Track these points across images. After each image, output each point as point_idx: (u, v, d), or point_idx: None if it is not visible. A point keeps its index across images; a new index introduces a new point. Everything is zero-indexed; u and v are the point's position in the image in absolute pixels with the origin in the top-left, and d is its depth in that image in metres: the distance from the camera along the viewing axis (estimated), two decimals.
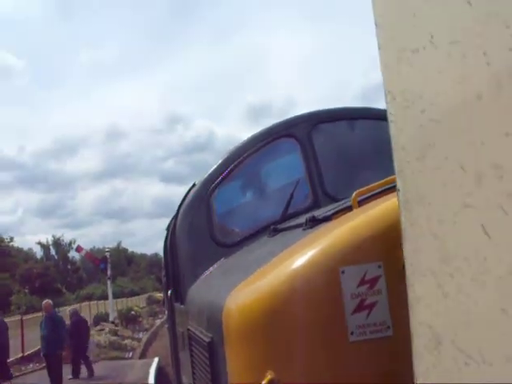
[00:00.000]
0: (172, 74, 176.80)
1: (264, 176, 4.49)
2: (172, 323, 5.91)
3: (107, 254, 31.80)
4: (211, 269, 3.83)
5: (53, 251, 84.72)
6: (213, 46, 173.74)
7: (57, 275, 71.47)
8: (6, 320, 21.05)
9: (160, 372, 16.24)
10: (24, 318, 22.82)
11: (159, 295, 57.27)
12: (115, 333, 25.39)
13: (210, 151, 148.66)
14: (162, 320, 37.97)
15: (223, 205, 4.24)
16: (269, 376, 1.90)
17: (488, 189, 0.82)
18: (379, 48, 1.13)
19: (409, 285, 1.06)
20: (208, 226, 4.00)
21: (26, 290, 54.72)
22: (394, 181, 2.48)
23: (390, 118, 1.08)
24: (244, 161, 4.19)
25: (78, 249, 33.94)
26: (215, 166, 4.23)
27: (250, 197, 4.50)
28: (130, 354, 22.34)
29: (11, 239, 71.57)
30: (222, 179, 4.15)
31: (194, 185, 4.42)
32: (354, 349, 1.86)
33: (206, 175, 4.24)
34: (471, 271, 0.86)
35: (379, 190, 2.47)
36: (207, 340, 2.91)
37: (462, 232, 0.89)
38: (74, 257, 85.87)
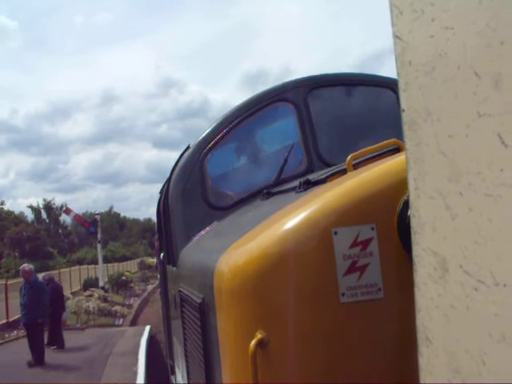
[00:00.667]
0: (168, 39, 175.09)
1: (259, 140, 4.42)
2: (164, 286, 5.90)
3: (97, 217, 28.86)
4: (204, 231, 3.79)
5: (44, 215, 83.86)
6: (210, 12, 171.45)
7: (48, 239, 70.41)
8: None
9: (151, 341, 15.45)
10: (10, 282, 21.39)
11: (151, 260, 55.82)
12: (105, 299, 23.83)
13: (203, 117, 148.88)
14: (154, 286, 35.43)
15: (217, 168, 4.18)
16: (258, 335, 1.90)
17: (507, 92, 0.75)
18: None
19: (413, 211, 0.99)
20: (201, 189, 3.95)
21: (16, 254, 53.35)
22: (389, 145, 2.49)
23: (396, 33, 1.00)
24: (239, 124, 4.12)
25: (67, 211, 30.85)
26: (210, 129, 4.16)
27: (244, 160, 4.43)
28: (121, 321, 21.03)
29: (2, 203, 70.82)
30: (217, 142, 4.08)
31: (188, 147, 4.34)
32: (344, 310, 1.85)
33: (200, 138, 4.16)
34: (485, 186, 0.80)
35: (374, 153, 2.45)
36: (198, 301, 2.89)
37: (475, 145, 0.82)
38: (65, 221, 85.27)
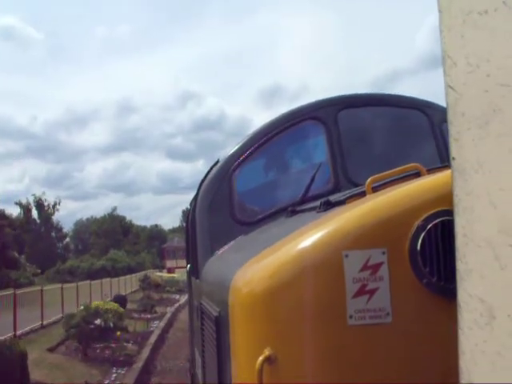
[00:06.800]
0: (186, 52, 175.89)
1: (287, 157, 4.47)
2: (191, 298, 6.00)
3: None
4: (228, 245, 3.84)
5: (36, 214, 71.55)
6: (226, 25, 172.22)
7: (35, 242, 60.81)
8: None
9: None
10: None
11: (158, 275, 44.57)
12: None
13: (219, 130, 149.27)
14: (166, 321, 20.97)
15: (245, 183, 4.23)
16: (266, 352, 1.94)
17: None
18: (440, 11, 1.08)
19: (460, 256, 1.02)
20: (228, 204, 4.01)
21: None
22: (409, 169, 2.53)
23: (449, 83, 1.04)
24: (268, 141, 4.17)
25: None
26: (239, 144, 4.22)
27: (271, 177, 4.48)
28: None
29: None
30: (246, 158, 4.13)
31: (217, 161, 4.41)
32: (352, 332, 1.88)
33: (229, 153, 4.22)
34: None
35: (394, 177, 2.49)
36: (215, 314, 2.96)
37: None
38: (59, 222, 75.18)
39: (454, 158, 1.02)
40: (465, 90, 1.00)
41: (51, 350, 14.17)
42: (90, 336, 13.78)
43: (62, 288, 21.87)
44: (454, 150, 1.03)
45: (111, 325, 14.46)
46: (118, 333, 14.95)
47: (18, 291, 17.83)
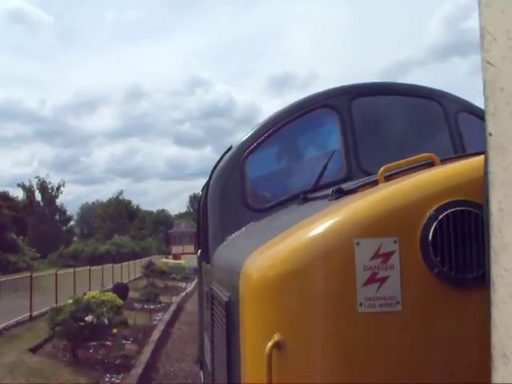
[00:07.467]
0: (196, 38, 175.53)
1: (300, 145, 4.47)
2: (201, 283, 6.04)
3: None
4: (239, 232, 3.86)
5: (39, 197, 70.40)
6: (236, 12, 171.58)
7: (37, 225, 59.52)
8: None
9: None
10: None
11: (163, 261, 42.54)
12: None
13: (227, 118, 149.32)
14: (170, 316, 18.41)
15: (257, 170, 4.23)
16: (276, 338, 1.95)
17: None
18: None
19: (495, 232, 1.02)
20: (240, 190, 4.01)
21: None
22: (423, 159, 2.52)
23: (488, 59, 1.04)
24: (281, 128, 4.16)
25: None
26: (252, 131, 4.22)
27: (284, 164, 4.49)
28: None
29: None
30: (258, 145, 4.13)
31: (229, 148, 4.41)
32: (361, 320, 1.89)
33: (242, 140, 4.22)
34: None
35: (407, 166, 2.47)
36: (225, 299, 2.98)
37: None
38: (63, 204, 73.93)
39: (490, 134, 1.02)
40: (504, 65, 0.99)
41: (34, 349, 11.97)
42: (79, 335, 11.28)
43: (56, 274, 19.36)
44: (491, 126, 1.02)
45: (106, 321, 12.00)
46: (115, 330, 12.74)
47: (1, 278, 16.31)
